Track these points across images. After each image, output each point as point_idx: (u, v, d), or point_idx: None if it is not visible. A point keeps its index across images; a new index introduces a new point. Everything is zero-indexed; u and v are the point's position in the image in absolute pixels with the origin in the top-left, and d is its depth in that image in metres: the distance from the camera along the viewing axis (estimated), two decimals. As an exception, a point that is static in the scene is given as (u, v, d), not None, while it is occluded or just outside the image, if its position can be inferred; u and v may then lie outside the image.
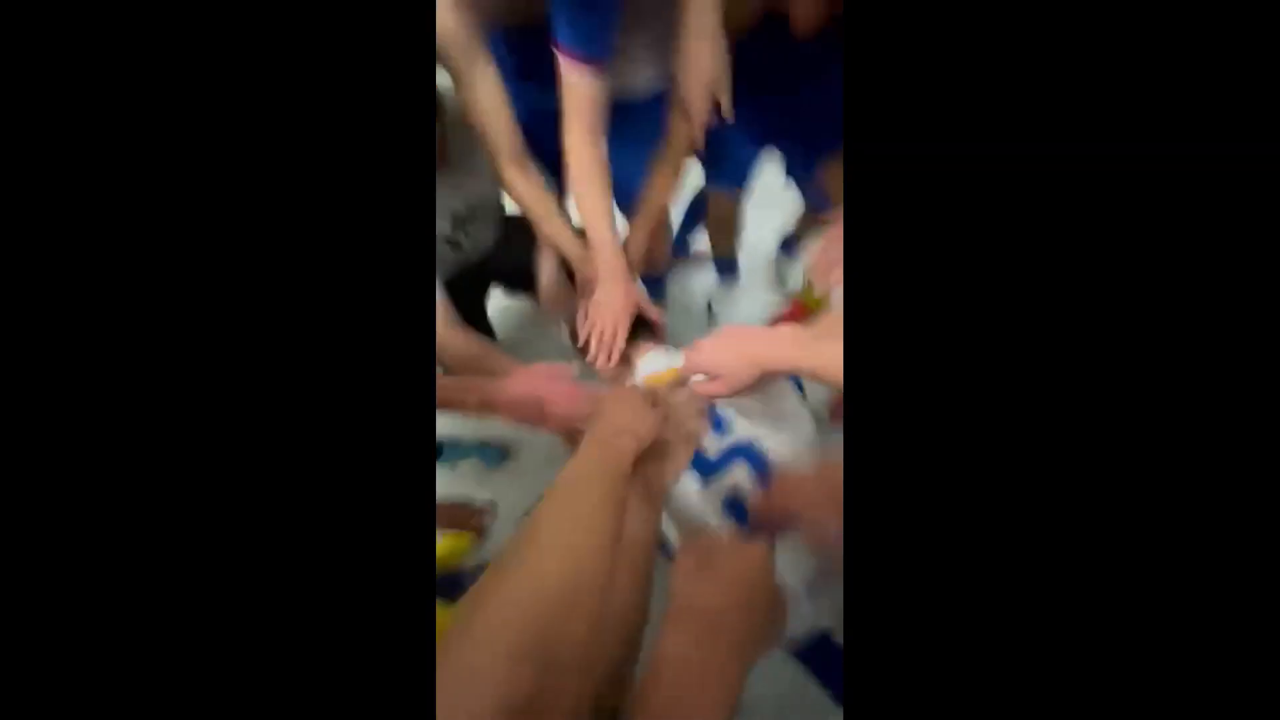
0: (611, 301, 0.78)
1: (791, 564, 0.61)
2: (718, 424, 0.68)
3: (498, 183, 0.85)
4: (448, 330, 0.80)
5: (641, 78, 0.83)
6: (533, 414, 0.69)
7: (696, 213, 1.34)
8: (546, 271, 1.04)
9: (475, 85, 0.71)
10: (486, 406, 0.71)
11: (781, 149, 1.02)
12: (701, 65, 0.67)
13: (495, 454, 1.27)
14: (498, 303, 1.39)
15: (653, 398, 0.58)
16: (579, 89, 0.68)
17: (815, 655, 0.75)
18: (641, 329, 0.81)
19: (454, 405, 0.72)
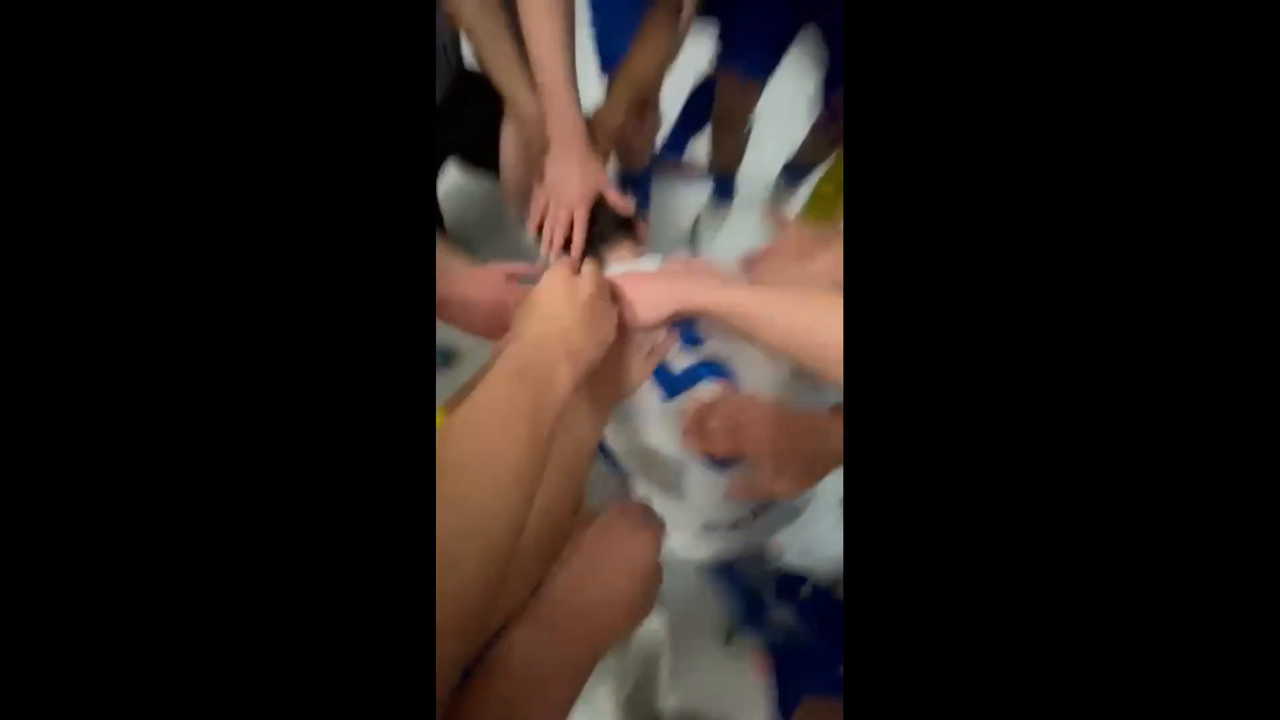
0: (565, 177, 0.62)
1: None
2: (688, 337, 0.57)
3: None
4: None
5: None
6: (489, 325, 0.56)
7: (700, 108, 1.15)
8: (510, 140, 0.84)
9: None
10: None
11: (822, 28, 0.84)
12: None
13: (439, 356, 1.13)
14: (451, 181, 1.19)
15: (610, 293, 0.45)
16: None
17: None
18: (618, 225, 0.66)
19: None
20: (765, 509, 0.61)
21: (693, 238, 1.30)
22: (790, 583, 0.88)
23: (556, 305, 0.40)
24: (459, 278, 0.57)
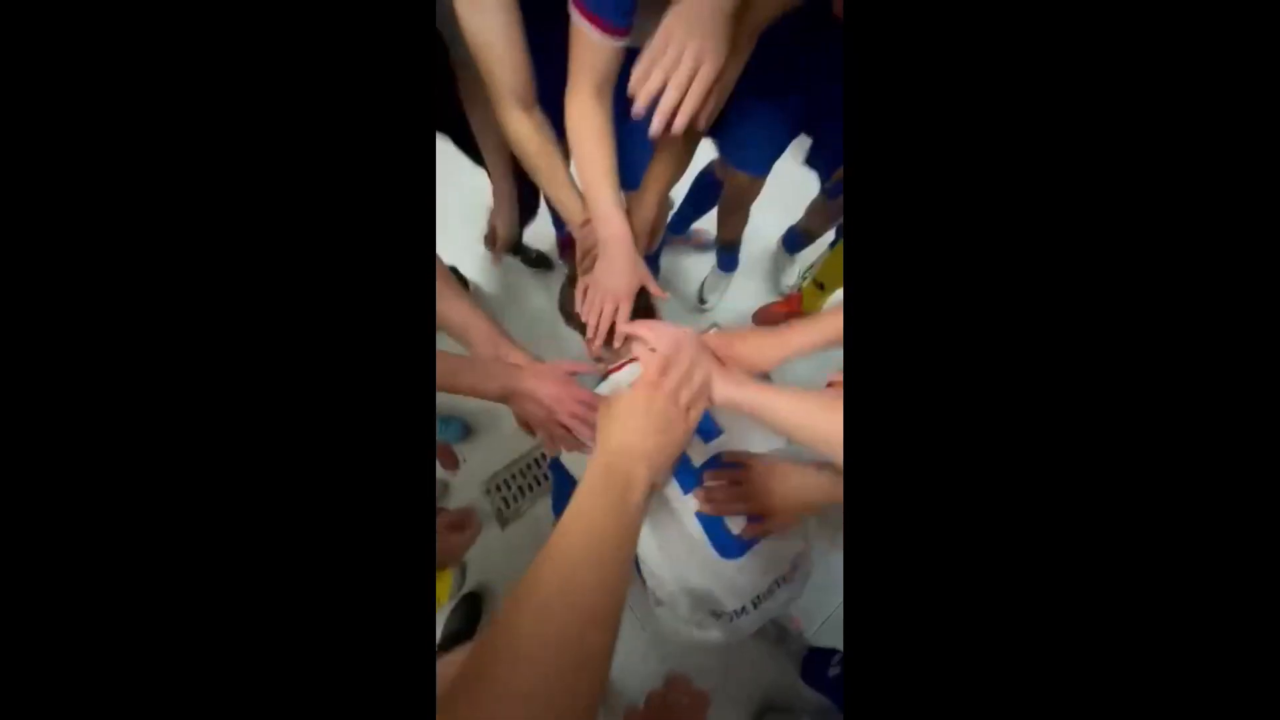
0: (614, 278, 0.70)
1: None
2: (707, 430, 0.63)
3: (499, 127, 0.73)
4: (449, 300, 0.69)
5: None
6: (545, 418, 0.63)
7: (704, 192, 1.24)
8: (502, 220, 0.95)
9: (486, 8, 0.59)
10: (507, 397, 0.64)
11: (813, 137, 0.92)
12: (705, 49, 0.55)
13: (457, 428, 1.19)
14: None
15: (681, 408, 0.50)
16: (592, 49, 0.59)
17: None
18: (640, 305, 0.74)
19: (469, 389, 0.63)
20: (787, 579, 0.64)
21: (701, 299, 1.38)
22: (817, 660, 0.89)
23: (635, 416, 0.45)
24: (525, 373, 0.64)
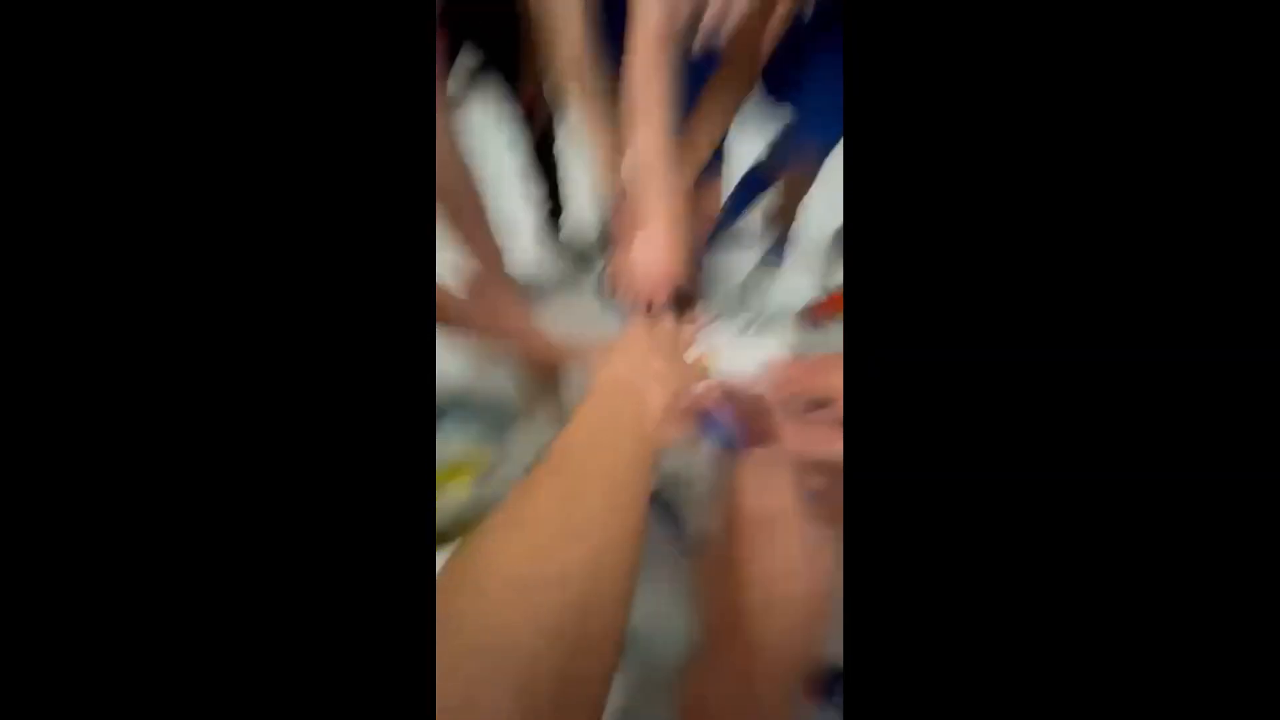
0: (650, 266, 0.69)
1: None
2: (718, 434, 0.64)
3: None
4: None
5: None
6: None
7: (750, 190, 1.23)
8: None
9: None
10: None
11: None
12: None
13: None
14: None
15: (688, 342, 0.51)
16: (654, 5, 0.59)
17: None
18: (681, 306, 0.74)
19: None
20: None
21: (743, 294, 1.38)
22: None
23: (638, 344, 0.45)
24: None
